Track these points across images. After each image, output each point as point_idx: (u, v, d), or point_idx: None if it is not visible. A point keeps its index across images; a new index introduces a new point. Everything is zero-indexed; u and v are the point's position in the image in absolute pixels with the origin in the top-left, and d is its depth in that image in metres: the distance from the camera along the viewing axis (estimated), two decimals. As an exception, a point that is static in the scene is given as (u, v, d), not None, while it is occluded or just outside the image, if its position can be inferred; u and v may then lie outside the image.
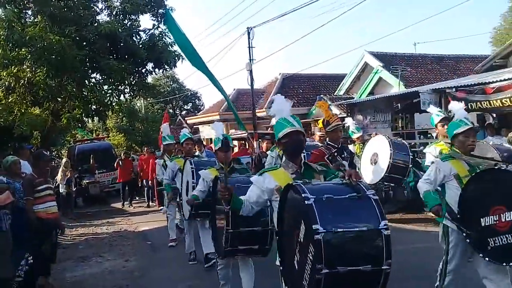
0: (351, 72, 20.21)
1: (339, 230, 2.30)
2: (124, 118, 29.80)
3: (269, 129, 20.50)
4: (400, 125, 13.13)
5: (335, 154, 5.12)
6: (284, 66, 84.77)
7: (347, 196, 2.49)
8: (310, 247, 2.35)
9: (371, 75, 18.22)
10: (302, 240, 2.48)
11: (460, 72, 19.15)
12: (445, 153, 4.39)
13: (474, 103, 9.29)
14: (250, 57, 19.96)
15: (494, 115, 11.61)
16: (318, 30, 77.23)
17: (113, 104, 12.74)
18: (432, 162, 4.28)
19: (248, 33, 19.79)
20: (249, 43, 19.92)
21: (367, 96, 17.00)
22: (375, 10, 77.61)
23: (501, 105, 8.66)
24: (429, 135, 12.75)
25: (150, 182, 13.37)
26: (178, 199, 6.53)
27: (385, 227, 2.36)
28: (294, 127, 3.10)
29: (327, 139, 5.53)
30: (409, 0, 69.46)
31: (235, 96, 24.74)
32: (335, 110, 18.50)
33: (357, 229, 2.34)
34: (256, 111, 20.85)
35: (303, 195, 2.44)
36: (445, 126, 5.46)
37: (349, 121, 9.76)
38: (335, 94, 20.95)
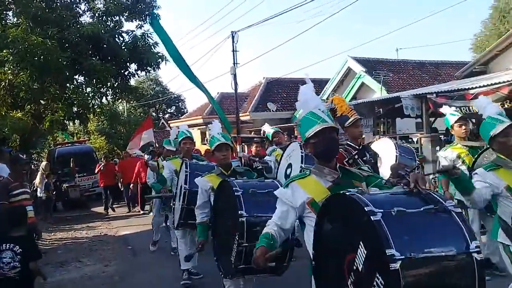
0: (334, 77, 20.39)
1: (420, 255, 1.75)
2: (106, 121, 29.57)
3: (252, 133, 20.54)
4: (382, 130, 13.26)
5: (356, 156, 4.30)
6: (268, 70, 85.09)
7: (422, 209, 1.91)
8: (378, 278, 1.78)
9: (354, 80, 18.41)
10: (361, 268, 1.88)
11: (441, 78, 19.46)
12: (490, 162, 3.48)
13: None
14: (234, 60, 19.99)
15: (474, 120, 11.78)
16: (302, 35, 77.74)
17: (95, 107, 12.62)
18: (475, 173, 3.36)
19: (232, 37, 19.81)
20: (233, 47, 19.94)
21: (349, 101, 17.14)
22: (359, 15, 78.55)
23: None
24: (410, 140, 12.89)
25: (132, 186, 12.86)
26: (171, 203, 5.97)
27: (476, 250, 1.81)
28: (326, 123, 2.51)
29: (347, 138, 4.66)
30: (392, 7, 70.47)
31: (219, 100, 24.68)
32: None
33: (443, 253, 1.78)
34: (240, 115, 20.85)
35: (366, 208, 1.84)
36: (463, 127, 5.13)
37: None
38: (318, 98, 21.06)
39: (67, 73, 10.77)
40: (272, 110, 22.07)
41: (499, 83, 8.57)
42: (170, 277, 6.31)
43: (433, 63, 22.24)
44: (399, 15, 68.34)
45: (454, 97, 9.79)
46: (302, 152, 5.13)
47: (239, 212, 3.07)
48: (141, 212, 13.06)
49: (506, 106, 8.39)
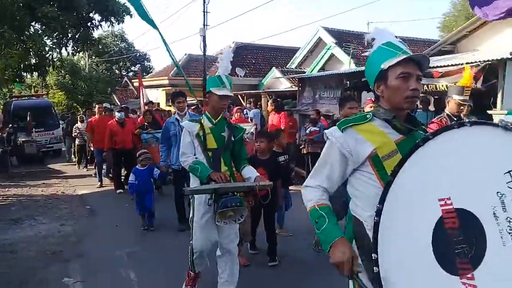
0: (305, 46, 20.22)
1: None
2: (66, 75, 28.40)
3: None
4: (349, 103, 13.30)
5: None
6: (238, 35, 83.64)
7: None
8: None
9: (324, 51, 18.28)
10: None
11: (409, 55, 19.60)
12: None
13: (421, 86, 9.58)
14: (204, 22, 19.40)
15: (433, 98, 11.79)
16: (274, 2, 76.45)
17: (55, 59, 11.99)
18: None
19: (204, -3, 19.16)
20: (204, 8, 19.33)
21: (318, 71, 17.08)
22: (332, -14, 77.83)
23: (446, 89, 8.93)
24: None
25: (104, 154, 10.04)
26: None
27: None
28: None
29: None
30: (365, -20, 70.13)
31: (186, 61, 24.11)
32: (286, 83, 18.55)
33: None
34: (208, 77, 20.41)
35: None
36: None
37: None
38: (287, 67, 20.91)
39: (23, 19, 10.06)
40: (240, 76, 21.70)
41: (468, 63, 8.67)
42: (128, 239, 6.19)
43: (402, 40, 22.37)
44: (372, -11, 68.05)
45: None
46: None
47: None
48: (118, 192, 9.53)
49: (472, 87, 8.52)
